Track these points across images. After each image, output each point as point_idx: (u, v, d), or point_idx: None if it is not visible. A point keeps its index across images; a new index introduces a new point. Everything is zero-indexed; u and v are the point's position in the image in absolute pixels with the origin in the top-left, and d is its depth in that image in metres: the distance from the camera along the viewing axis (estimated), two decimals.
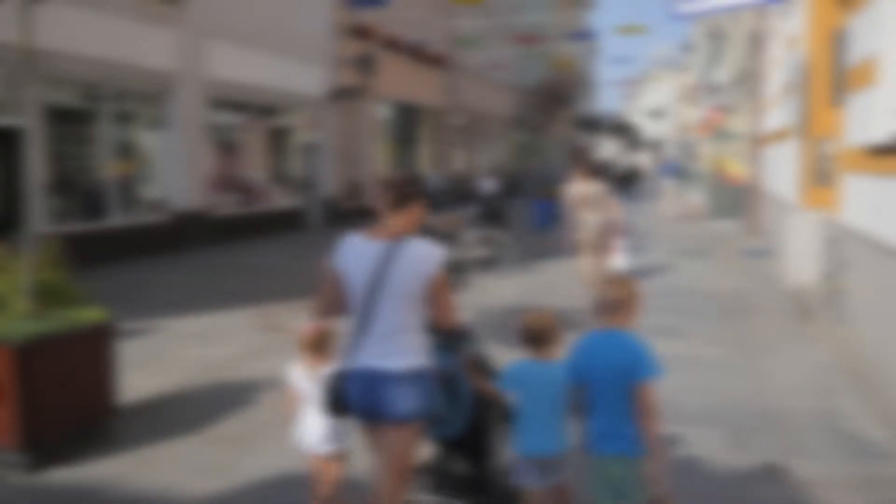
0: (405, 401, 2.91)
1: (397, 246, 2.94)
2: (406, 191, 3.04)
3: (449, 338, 3.16)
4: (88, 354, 4.76)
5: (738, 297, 9.78)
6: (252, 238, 16.38)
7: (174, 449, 4.68)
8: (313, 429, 3.61)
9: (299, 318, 3.79)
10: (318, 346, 3.65)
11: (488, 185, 17.38)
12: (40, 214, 11.05)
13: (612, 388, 2.99)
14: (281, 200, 18.38)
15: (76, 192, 12.63)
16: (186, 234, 14.54)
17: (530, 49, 33.62)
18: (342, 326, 3.18)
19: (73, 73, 12.19)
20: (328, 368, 3.38)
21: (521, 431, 3.20)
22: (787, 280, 10.68)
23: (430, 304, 2.98)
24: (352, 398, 3.00)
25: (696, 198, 25.36)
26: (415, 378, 2.93)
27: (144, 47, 13.44)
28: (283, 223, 18.05)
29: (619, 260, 10.33)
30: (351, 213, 20.25)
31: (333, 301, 3.08)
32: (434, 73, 26.62)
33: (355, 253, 3.00)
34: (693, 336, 7.65)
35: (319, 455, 3.62)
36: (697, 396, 5.72)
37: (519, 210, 19.97)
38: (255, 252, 14.43)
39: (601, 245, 9.06)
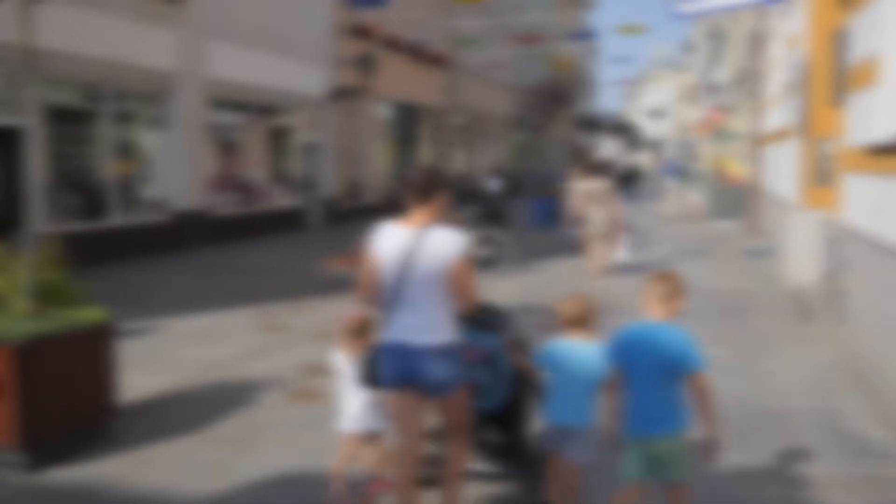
0: (441, 374, 3.27)
1: (423, 233, 3.27)
2: (430, 184, 3.35)
3: (478, 318, 3.53)
4: (88, 354, 4.76)
5: (738, 297, 9.78)
6: (252, 238, 16.38)
7: (174, 449, 4.68)
8: (354, 411, 3.86)
9: (339, 309, 4.13)
10: (360, 332, 3.85)
11: (493, 185, 17.38)
12: (40, 214, 11.05)
13: (656, 375, 3.21)
14: (281, 200, 18.38)
15: (76, 191, 12.63)
16: (186, 234, 14.54)
17: (530, 49, 33.60)
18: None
19: (73, 73, 12.19)
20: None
21: (552, 403, 3.54)
22: (788, 280, 10.68)
23: (453, 285, 3.26)
24: (386, 371, 3.35)
25: (696, 198, 25.35)
26: (444, 353, 3.27)
27: (145, 47, 13.44)
28: (284, 223, 18.05)
29: (621, 254, 11.12)
30: (351, 213, 20.26)
31: (373, 284, 3.38)
32: (434, 72, 26.62)
33: (388, 240, 3.34)
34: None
35: (356, 435, 3.89)
36: None
37: (519, 209, 19.97)
38: (256, 252, 14.43)
39: (606, 239, 9.87)
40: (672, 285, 3.35)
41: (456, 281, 3.27)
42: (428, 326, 3.27)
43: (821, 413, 5.34)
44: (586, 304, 3.59)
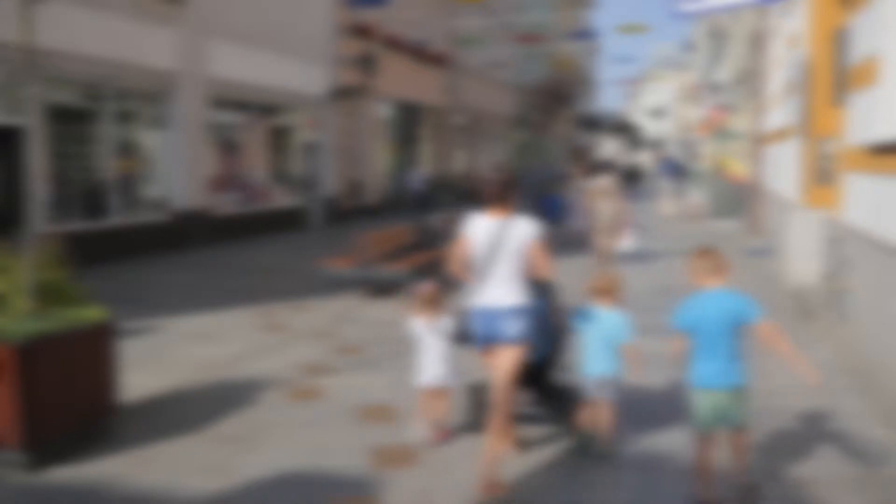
0: (514, 328, 4.07)
1: (508, 222, 4.12)
2: (508, 185, 4.18)
3: (541, 287, 4.38)
4: (89, 353, 4.77)
5: None
6: (253, 237, 16.39)
7: (175, 448, 4.68)
8: (429, 369, 4.71)
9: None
10: (434, 302, 4.73)
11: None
12: (41, 213, 11.06)
13: (723, 334, 3.82)
14: (282, 200, 18.39)
15: (77, 191, 12.64)
16: (187, 234, 14.54)
17: (531, 48, 33.62)
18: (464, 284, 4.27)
19: (74, 73, 12.20)
20: (443, 320, 4.66)
21: (586, 357, 4.57)
22: (789, 279, 10.67)
23: (531, 261, 4.10)
24: (477, 329, 4.15)
25: (697, 197, 25.35)
26: (520, 312, 4.09)
27: (146, 47, 13.44)
28: (284, 222, 18.06)
29: (626, 243, 12.25)
30: (351, 213, 20.26)
31: (464, 261, 4.20)
32: (435, 72, 26.61)
33: (478, 227, 4.17)
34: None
35: (431, 389, 4.73)
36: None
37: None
38: (256, 251, 14.44)
39: (613, 229, 11.15)
40: (717, 257, 3.98)
41: (536, 256, 4.10)
42: (509, 292, 4.09)
43: (821, 412, 5.34)
44: (613, 280, 4.66)
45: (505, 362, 4.11)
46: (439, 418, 4.77)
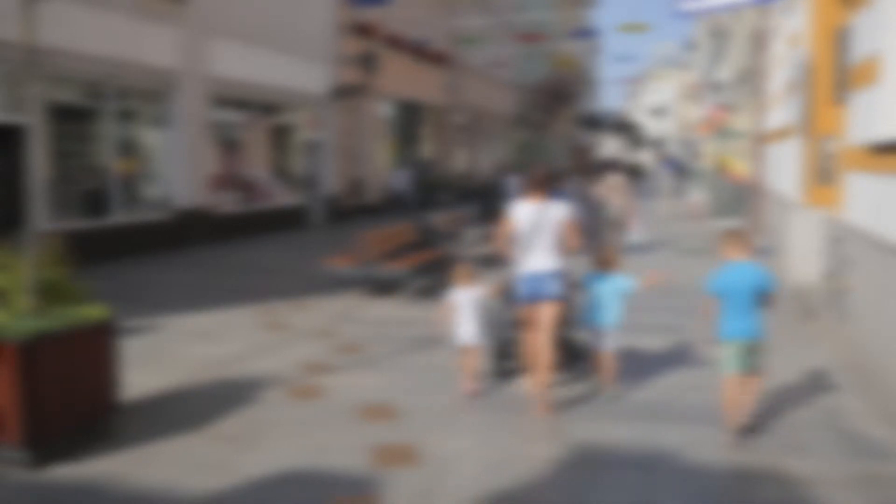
0: (555, 288, 5.33)
1: (546, 205, 5.38)
2: (546, 178, 5.44)
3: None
4: (90, 352, 4.77)
5: None
6: (254, 236, 16.40)
7: (175, 446, 4.68)
8: (466, 330, 5.73)
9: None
10: (471, 276, 5.83)
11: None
12: (43, 212, 11.07)
13: (749, 297, 4.79)
14: (283, 198, 18.39)
15: (78, 189, 12.64)
16: (189, 232, 14.55)
17: (532, 47, 33.59)
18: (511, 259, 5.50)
19: (75, 71, 12.20)
20: (477, 290, 5.77)
21: (600, 311, 5.68)
22: (789, 278, 10.67)
23: (566, 235, 5.36)
24: (523, 290, 5.40)
25: (698, 196, 25.33)
26: (558, 275, 5.35)
27: (147, 45, 13.44)
28: (285, 221, 18.06)
29: (634, 235, 14.13)
30: (352, 212, 20.27)
31: (510, 237, 5.43)
32: (436, 71, 26.61)
33: (522, 210, 5.40)
34: (695, 334, 7.64)
35: (469, 348, 5.75)
36: (699, 395, 5.72)
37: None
38: (257, 250, 14.44)
39: (622, 223, 12.91)
40: (742, 235, 5.02)
41: (568, 232, 5.36)
42: (549, 260, 5.34)
43: (822, 411, 5.34)
44: (613, 252, 5.92)
45: (548, 314, 5.38)
46: (474, 370, 5.77)
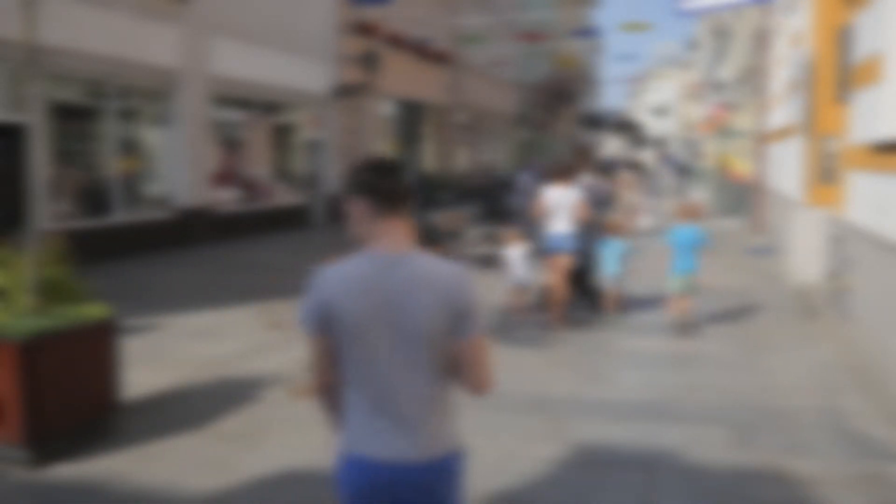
0: (568, 244, 7.76)
1: (568, 189, 7.84)
2: (570, 170, 8.14)
3: (585, 230, 8.05)
4: (91, 351, 4.77)
5: (742, 295, 9.76)
6: (255, 235, 16.40)
7: (177, 445, 4.68)
8: (517, 275, 8.24)
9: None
10: (518, 237, 8.32)
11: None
12: (44, 211, 11.07)
13: (689, 248, 7.51)
14: (284, 197, 18.39)
15: (80, 188, 12.65)
16: (190, 231, 14.55)
17: (534, 46, 33.54)
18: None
19: (77, 70, 12.21)
20: (523, 246, 8.27)
21: (606, 265, 8.35)
22: (792, 278, 10.66)
23: (579, 211, 7.77)
24: (548, 245, 7.85)
25: (700, 195, 25.30)
26: (571, 236, 7.76)
27: (149, 44, 13.44)
28: (287, 220, 18.06)
29: (644, 220, 16.96)
30: None
31: (541, 209, 7.85)
32: (438, 70, 26.59)
33: (552, 191, 7.82)
34: (696, 333, 7.64)
35: (518, 288, 8.27)
36: (700, 394, 5.71)
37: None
38: (259, 249, 14.44)
39: (632, 213, 15.53)
40: (689, 208, 7.88)
41: (581, 208, 7.79)
42: (566, 226, 7.75)
43: (824, 411, 5.33)
44: (620, 222, 8.70)
45: (563, 263, 7.84)
46: (527, 303, 8.38)
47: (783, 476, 4.28)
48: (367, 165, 2.17)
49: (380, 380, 2.11)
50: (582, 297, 8.53)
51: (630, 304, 8.81)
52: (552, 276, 7.85)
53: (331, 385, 2.25)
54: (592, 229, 8.26)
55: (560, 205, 7.73)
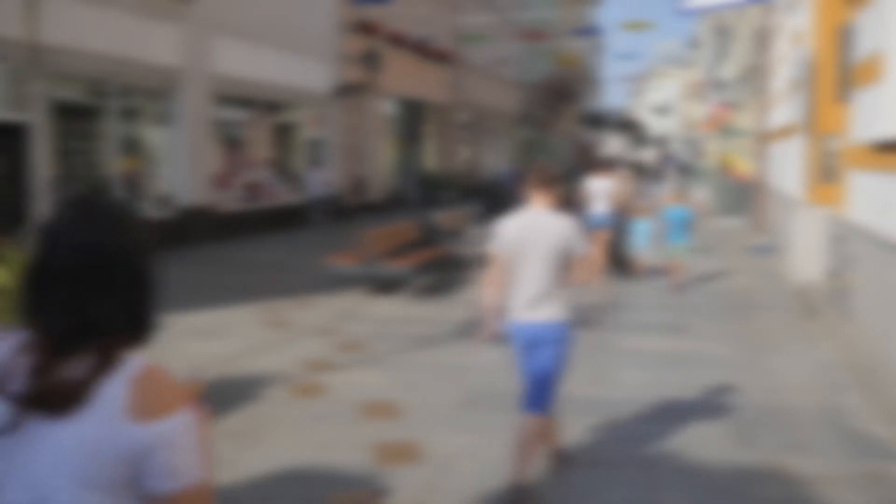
0: (606, 221, 10.56)
1: (606, 180, 10.73)
2: (607, 165, 11.87)
3: (617, 214, 10.92)
4: None
5: (743, 294, 9.77)
6: (256, 234, 16.41)
7: None
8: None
9: None
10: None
11: (502, 177, 17.34)
12: (46, 210, 11.09)
13: (680, 224, 9.97)
14: (286, 196, 18.40)
15: (81, 187, 12.65)
16: (192, 230, 14.57)
17: (535, 45, 33.56)
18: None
19: (78, 69, 12.21)
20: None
21: (636, 240, 11.11)
22: (793, 277, 10.66)
23: (618, 195, 10.85)
24: (590, 222, 10.24)
25: (701, 194, 25.29)
26: (609, 215, 10.58)
27: (150, 43, 13.45)
28: (288, 219, 18.07)
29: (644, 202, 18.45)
30: (355, 210, 20.26)
31: (588, 195, 10.65)
32: (439, 69, 26.59)
33: (594, 182, 10.68)
34: (697, 332, 7.65)
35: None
36: (701, 393, 5.72)
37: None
38: (260, 248, 14.46)
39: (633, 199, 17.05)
40: (680, 193, 10.89)
41: (620, 194, 10.72)
42: (605, 208, 10.48)
43: (824, 410, 5.33)
44: (642, 206, 11.76)
45: (601, 237, 10.06)
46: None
47: (784, 475, 4.29)
48: (535, 166, 4.10)
49: (528, 278, 3.91)
50: (616, 263, 10.79)
51: (650, 273, 10.94)
52: (593, 248, 8.44)
53: (500, 283, 4.03)
54: (624, 212, 10.88)
55: (600, 192, 10.43)
